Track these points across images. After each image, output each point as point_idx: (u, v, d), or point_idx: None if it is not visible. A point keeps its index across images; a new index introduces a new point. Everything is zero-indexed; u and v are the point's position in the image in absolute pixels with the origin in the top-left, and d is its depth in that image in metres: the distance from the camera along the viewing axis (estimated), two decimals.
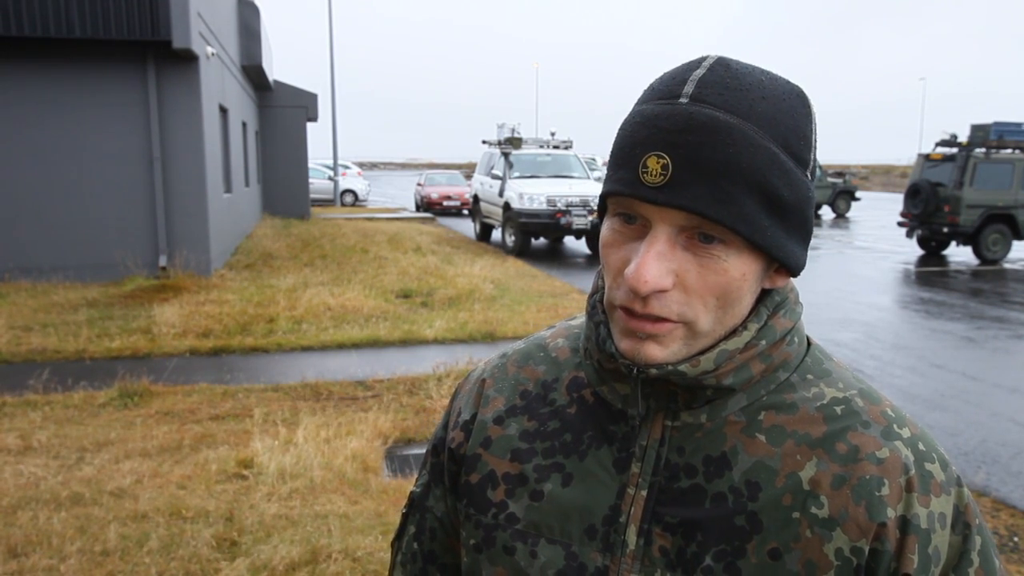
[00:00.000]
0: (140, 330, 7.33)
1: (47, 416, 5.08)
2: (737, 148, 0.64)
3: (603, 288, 0.77)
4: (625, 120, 0.70)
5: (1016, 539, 3.78)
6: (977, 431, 5.31)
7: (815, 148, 0.71)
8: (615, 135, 0.71)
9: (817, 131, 0.72)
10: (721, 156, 0.63)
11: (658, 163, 0.64)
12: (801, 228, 0.70)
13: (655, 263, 0.65)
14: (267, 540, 3.43)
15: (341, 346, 7.16)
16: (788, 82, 0.70)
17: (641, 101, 0.70)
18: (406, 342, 7.36)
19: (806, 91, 0.72)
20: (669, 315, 0.67)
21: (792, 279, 0.77)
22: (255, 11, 15.15)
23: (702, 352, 0.70)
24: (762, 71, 0.69)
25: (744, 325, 0.71)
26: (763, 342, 0.72)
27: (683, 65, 0.70)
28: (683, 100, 0.66)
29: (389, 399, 5.56)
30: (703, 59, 0.69)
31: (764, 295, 0.74)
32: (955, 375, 6.75)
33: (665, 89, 0.68)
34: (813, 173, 0.71)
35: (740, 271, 0.67)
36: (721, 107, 0.65)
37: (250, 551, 3.33)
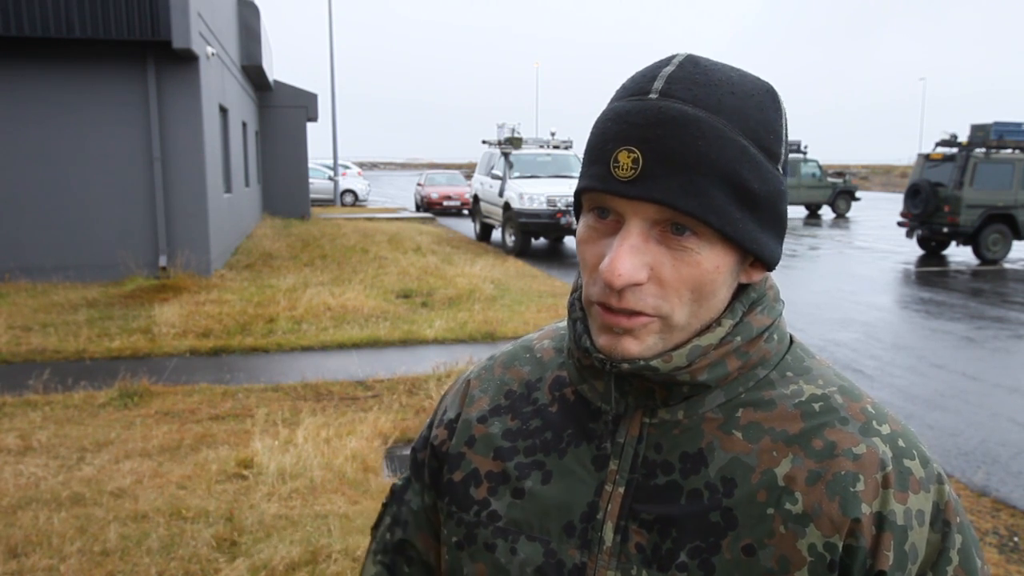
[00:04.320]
0: (140, 330, 7.33)
1: (47, 416, 5.08)
2: (706, 141, 0.65)
3: (582, 286, 0.78)
4: (598, 117, 0.71)
5: (1016, 539, 3.78)
6: (977, 431, 5.31)
7: (786, 143, 0.72)
8: (589, 133, 0.72)
9: (788, 126, 0.72)
10: (690, 149, 0.64)
11: (629, 157, 0.65)
12: (774, 221, 0.71)
13: (628, 257, 0.66)
14: (267, 540, 3.43)
15: (341, 346, 7.16)
16: (757, 78, 0.71)
17: (614, 99, 0.71)
18: (406, 342, 7.36)
19: (779, 89, 0.73)
20: (644, 308, 0.68)
21: (774, 278, 0.78)
22: (255, 11, 15.15)
23: (676, 348, 0.71)
24: (731, 68, 0.71)
25: (718, 321, 0.72)
26: (738, 338, 0.72)
27: (654, 63, 0.71)
28: (653, 96, 0.67)
29: (389, 399, 5.56)
30: (673, 57, 0.70)
31: (740, 292, 0.74)
32: (955, 375, 6.75)
33: (635, 86, 0.69)
34: (785, 167, 0.72)
35: (713, 263, 0.68)
36: (690, 102, 0.66)
37: (250, 551, 3.33)
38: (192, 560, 3.26)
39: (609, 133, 0.67)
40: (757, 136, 0.68)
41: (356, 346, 7.19)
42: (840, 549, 0.67)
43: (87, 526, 3.54)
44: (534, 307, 8.99)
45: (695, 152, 0.64)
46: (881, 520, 0.68)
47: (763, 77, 0.73)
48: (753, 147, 0.67)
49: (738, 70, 0.70)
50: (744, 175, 0.66)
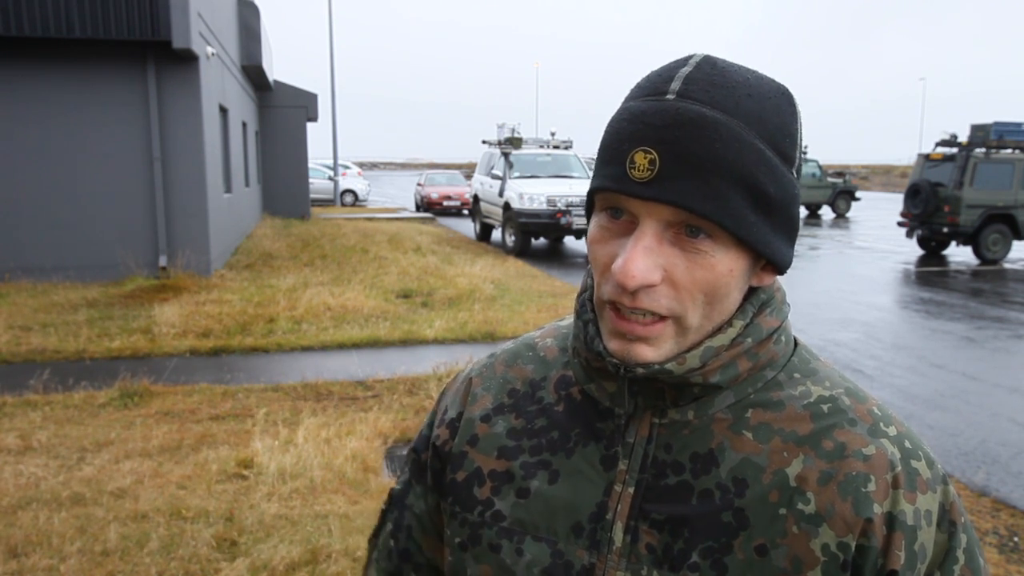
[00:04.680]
0: (140, 330, 7.33)
1: (47, 416, 5.08)
2: (724, 144, 0.64)
3: (592, 286, 0.77)
4: (613, 117, 0.70)
5: (1016, 539, 3.78)
6: (977, 431, 5.31)
7: (800, 147, 0.71)
8: (603, 132, 0.71)
9: (803, 130, 0.72)
10: (708, 151, 0.64)
11: (645, 158, 0.65)
12: (787, 225, 0.71)
13: (642, 258, 0.66)
14: (267, 540, 3.43)
15: (341, 346, 7.16)
16: (774, 81, 0.71)
17: (629, 98, 0.70)
18: (406, 342, 7.36)
19: (792, 91, 0.72)
20: (658, 309, 0.67)
21: (780, 280, 0.77)
22: (255, 11, 15.15)
23: (688, 349, 0.70)
24: (748, 70, 0.70)
25: (730, 322, 0.72)
26: (749, 340, 0.72)
27: (670, 63, 0.70)
28: (670, 96, 0.66)
29: (389, 399, 5.56)
30: (690, 57, 0.70)
31: (750, 293, 0.74)
32: (955, 375, 6.74)
33: (652, 86, 0.68)
34: (798, 171, 0.71)
35: (727, 267, 0.68)
36: (708, 103, 0.65)
37: (250, 551, 3.33)
38: (192, 560, 3.26)
39: (625, 133, 0.67)
40: (774, 139, 0.67)
41: (356, 346, 7.19)
42: (853, 549, 0.68)
43: (87, 526, 3.54)
44: (534, 307, 8.99)
45: (712, 154, 0.64)
46: (892, 520, 0.68)
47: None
48: (770, 150, 0.67)
49: (754, 72, 0.70)
50: (761, 179, 0.66)
